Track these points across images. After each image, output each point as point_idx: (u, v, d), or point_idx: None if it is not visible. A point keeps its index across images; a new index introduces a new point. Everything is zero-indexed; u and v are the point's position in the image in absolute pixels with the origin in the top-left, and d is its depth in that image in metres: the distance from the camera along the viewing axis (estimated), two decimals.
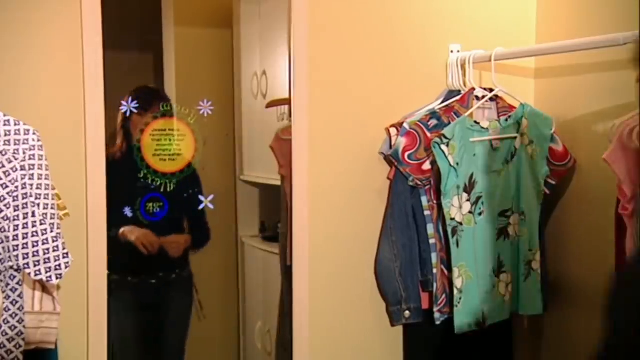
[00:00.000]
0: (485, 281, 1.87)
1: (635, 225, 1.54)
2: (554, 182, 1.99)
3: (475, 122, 1.89)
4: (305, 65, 1.94)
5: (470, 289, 1.84)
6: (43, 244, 1.46)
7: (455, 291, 1.82)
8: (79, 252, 1.70)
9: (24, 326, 1.47)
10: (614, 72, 1.85)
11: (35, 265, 1.45)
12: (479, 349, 1.98)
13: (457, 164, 1.82)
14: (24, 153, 1.45)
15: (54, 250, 1.47)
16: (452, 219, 1.83)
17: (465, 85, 1.99)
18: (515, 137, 1.92)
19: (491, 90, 1.96)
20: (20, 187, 1.44)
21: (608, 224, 1.65)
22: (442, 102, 1.97)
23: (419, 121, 1.88)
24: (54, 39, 1.73)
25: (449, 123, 1.87)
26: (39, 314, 1.52)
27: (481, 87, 1.97)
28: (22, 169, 1.44)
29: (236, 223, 2.62)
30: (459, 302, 1.83)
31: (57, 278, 1.48)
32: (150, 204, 2.02)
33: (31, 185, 1.45)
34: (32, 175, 1.45)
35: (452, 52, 2.04)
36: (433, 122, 1.88)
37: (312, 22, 1.94)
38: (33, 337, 1.52)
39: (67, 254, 1.49)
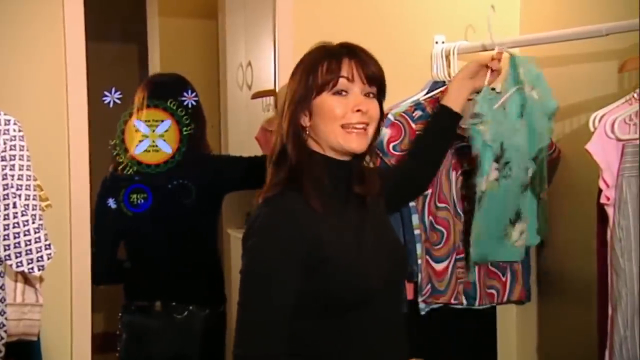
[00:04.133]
0: (499, 230, 1.85)
1: (616, 214, 1.56)
2: None
3: (492, 88, 1.82)
4: (290, 56, 1.93)
5: (482, 238, 1.83)
6: (25, 235, 1.44)
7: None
8: (61, 243, 1.69)
9: (5, 318, 1.46)
10: (596, 63, 1.87)
11: (17, 257, 1.44)
12: (463, 339, 1.99)
13: (492, 139, 1.79)
14: (5, 143, 1.44)
15: (36, 242, 1.46)
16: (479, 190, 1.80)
17: (449, 76, 1.99)
18: (521, 88, 1.82)
19: None
20: (1, 178, 1.42)
21: (591, 213, 1.66)
22: (427, 93, 1.97)
23: (403, 112, 1.88)
24: (36, 29, 1.71)
25: None
26: (21, 305, 1.52)
27: None
28: (2, 160, 1.43)
29: (221, 215, 2.61)
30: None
31: (39, 269, 1.47)
32: (134, 195, 2.01)
33: (12, 175, 1.44)
34: (13, 165, 1.44)
35: (436, 43, 2.04)
36: (418, 113, 1.88)
37: (296, 12, 1.93)
38: (15, 329, 1.51)
39: (49, 245, 1.48)
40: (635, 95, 1.57)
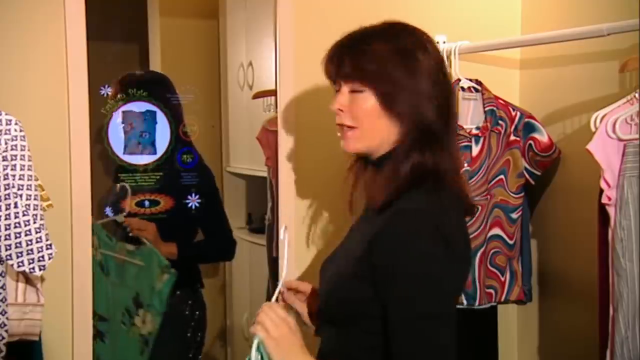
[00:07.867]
0: None
1: (617, 215, 1.56)
2: (538, 173, 2.00)
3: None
4: (291, 56, 1.93)
5: None
6: (26, 235, 1.44)
7: None
8: (63, 243, 1.69)
9: (7, 318, 1.46)
10: (597, 63, 1.87)
11: (18, 257, 1.44)
12: (464, 339, 1.99)
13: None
14: (6, 143, 1.44)
15: (37, 242, 1.46)
16: None
17: (450, 77, 1.99)
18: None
19: (477, 81, 1.97)
20: (2, 178, 1.42)
21: (592, 213, 1.66)
22: None
23: None
24: (37, 29, 1.71)
25: None
26: (22, 305, 1.51)
27: (467, 78, 1.98)
28: (3, 160, 1.43)
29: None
30: None
31: (40, 269, 1.47)
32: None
33: (13, 175, 1.44)
34: (15, 165, 1.44)
35: (437, 43, 2.04)
36: None
37: (298, 12, 1.93)
38: (16, 328, 1.51)
39: (50, 245, 1.48)
40: (637, 95, 1.57)
